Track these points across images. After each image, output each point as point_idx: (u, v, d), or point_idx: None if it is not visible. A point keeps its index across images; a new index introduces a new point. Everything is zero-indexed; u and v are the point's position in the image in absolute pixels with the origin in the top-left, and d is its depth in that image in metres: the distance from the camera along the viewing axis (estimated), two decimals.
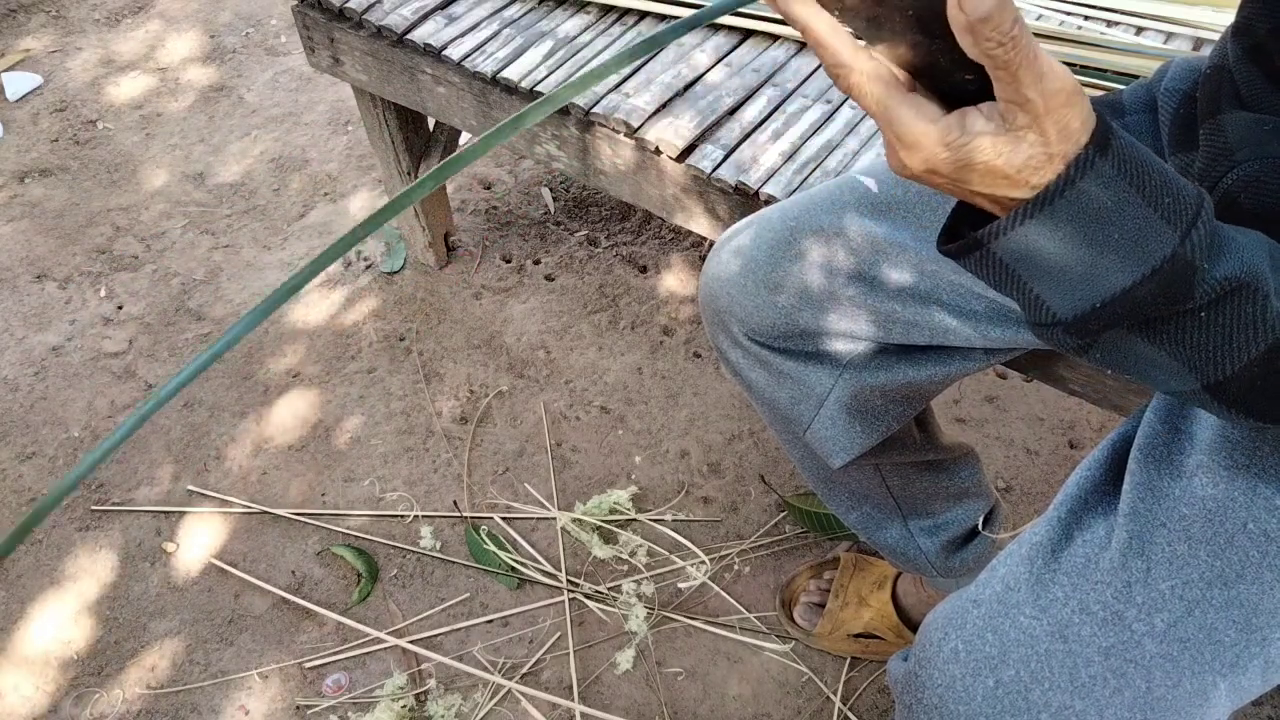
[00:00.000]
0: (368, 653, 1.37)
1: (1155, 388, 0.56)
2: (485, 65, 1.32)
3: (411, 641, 1.37)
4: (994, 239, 0.49)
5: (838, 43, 0.47)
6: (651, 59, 1.32)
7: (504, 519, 1.50)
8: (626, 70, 1.30)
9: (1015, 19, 0.42)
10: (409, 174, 1.69)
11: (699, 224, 1.27)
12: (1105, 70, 1.21)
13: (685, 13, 1.36)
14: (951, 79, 0.47)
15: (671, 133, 1.21)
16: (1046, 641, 0.66)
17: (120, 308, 1.83)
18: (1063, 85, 0.45)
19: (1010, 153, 0.46)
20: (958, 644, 0.69)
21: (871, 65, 0.48)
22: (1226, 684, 0.65)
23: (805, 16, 0.47)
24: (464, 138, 2.03)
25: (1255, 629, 0.64)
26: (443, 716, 1.29)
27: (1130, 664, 0.65)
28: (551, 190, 2.00)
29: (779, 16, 1.32)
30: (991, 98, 0.46)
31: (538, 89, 1.29)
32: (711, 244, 1.29)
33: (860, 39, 0.49)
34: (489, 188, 2.02)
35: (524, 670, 1.34)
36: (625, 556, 1.44)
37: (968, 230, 0.52)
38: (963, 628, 0.69)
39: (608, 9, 1.40)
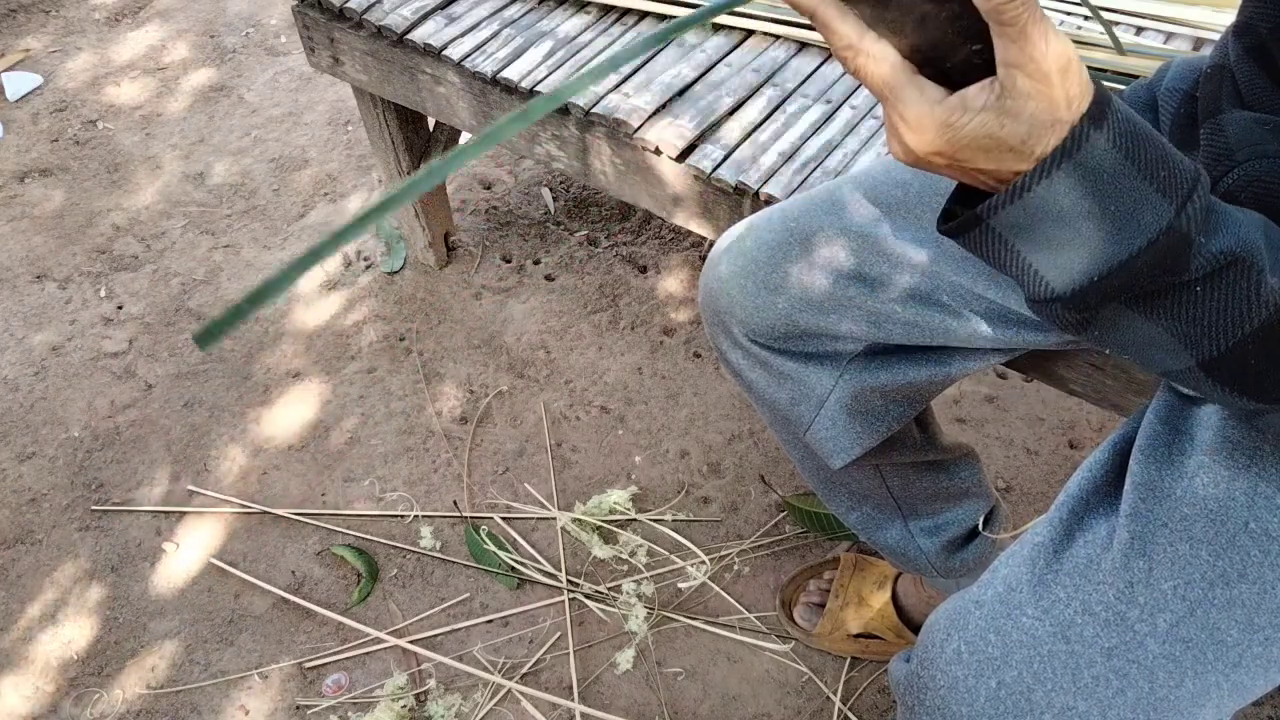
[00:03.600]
0: (368, 653, 1.37)
1: (1151, 369, 0.57)
2: (485, 65, 1.32)
3: (411, 641, 1.37)
4: (993, 213, 0.50)
5: (845, 26, 0.48)
6: (652, 59, 1.32)
7: (504, 519, 1.50)
8: (626, 70, 1.30)
9: None
10: (409, 174, 1.69)
11: (699, 224, 1.27)
12: (1105, 70, 1.21)
13: (685, 12, 1.36)
14: (958, 53, 0.48)
15: (671, 133, 1.21)
16: (1049, 642, 0.66)
17: (120, 308, 1.83)
18: (1064, 50, 0.46)
19: (1014, 122, 0.47)
20: (960, 645, 0.69)
21: (878, 47, 0.48)
22: (1229, 684, 0.65)
23: (812, 3, 0.48)
24: (464, 138, 2.03)
25: (1257, 628, 0.64)
26: (443, 716, 1.29)
27: (1133, 664, 0.65)
28: (551, 190, 2.00)
29: (779, 16, 1.32)
30: (994, 74, 0.47)
31: (538, 89, 1.29)
32: (711, 244, 1.29)
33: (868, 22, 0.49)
34: (489, 188, 2.02)
35: (524, 670, 1.34)
36: (625, 556, 1.44)
37: (967, 211, 0.52)
38: (965, 629, 0.69)
39: (608, 9, 1.40)
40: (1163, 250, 0.49)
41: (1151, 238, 0.48)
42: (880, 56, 0.49)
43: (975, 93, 0.48)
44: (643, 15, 1.38)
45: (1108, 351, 0.55)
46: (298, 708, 1.32)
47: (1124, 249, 0.49)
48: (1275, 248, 0.51)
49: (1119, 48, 1.20)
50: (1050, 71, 0.46)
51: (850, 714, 1.30)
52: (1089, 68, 1.20)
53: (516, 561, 1.44)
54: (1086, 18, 1.30)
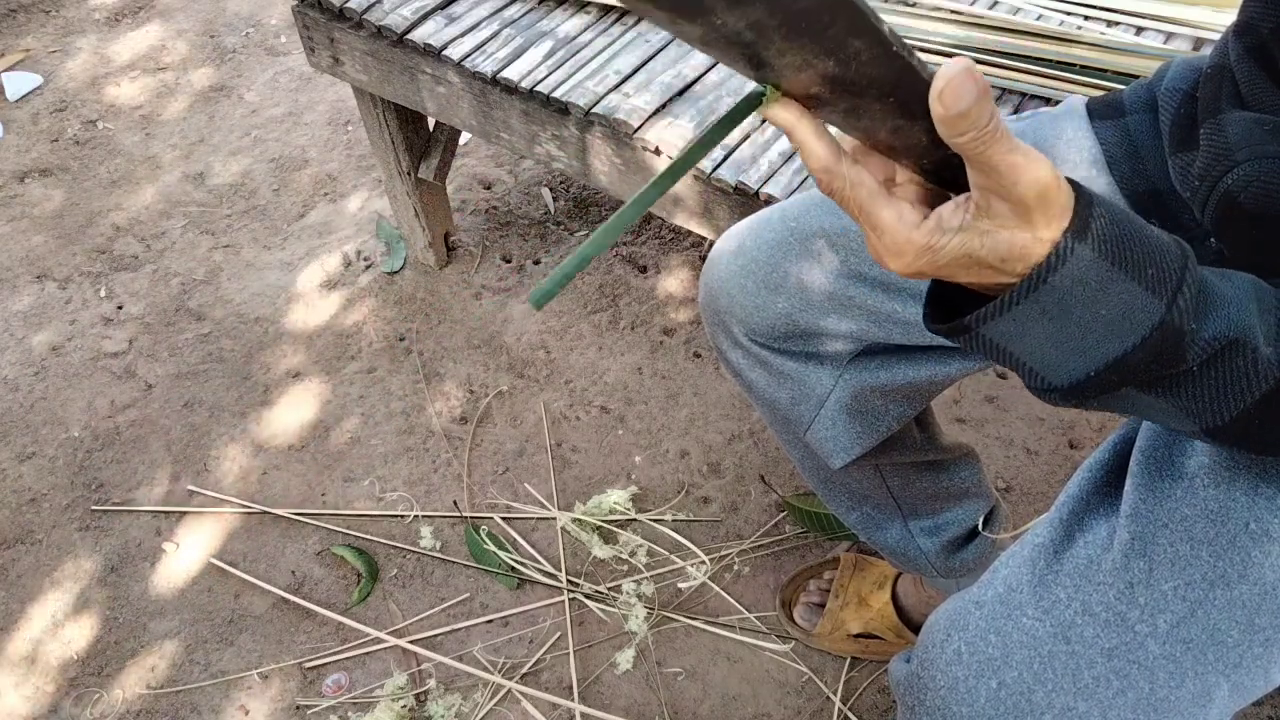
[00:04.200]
0: (368, 653, 1.37)
1: (1153, 422, 0.57)
2: (485, 65, 1.32)
3: (411, 641, 1.37)
4: (982, 324, 0.50)
5: (821, 147, 0.48)
6: (652, 59, 1.32)
7: (504, 519, 1.50)
8: (626, 70, 1.30)
9: (992, 113, 0.42)
10: (409, 174, 1.69)
11: (699, 224, 1.27)
12: (1105, 70, 1.20)
13: None
14: (934, 155, 0.48)
15: (671, 133, 1.21)
16: (1049, 643, 0.66)
17: (120, 308, 1.83)
18: (1039, 175, 0.45)
19: (993, 244, 0.47)
20: (960, 645, 0.69)
21: (854, 171, 0.48)
22: (1229, 684, 0.65)
23: (789, 122, 0.47)
24: (464, 138, 2.03)
25: (1258, 629, 0.64)
26: (443, 716, 1.29)
27: (1133, 665, 0.65)
28: (551, 190, 2.00)
29: None
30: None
31: (537, 89, 1.28)
32: (711, 244, 1.29)
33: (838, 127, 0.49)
34: (489, 188, 2.02)
35: (524, 670, 1.34)
36: (625, 556, 1.44)
37: (953, 313, 0.52)
38: (965, 629, 0.69)
39: (608, 9, 1.40)
40: (1157, 343, 0.49)
41: (1145, 334, 0.49)
42: (856, 181, 0.48)
43: (951, 212, 0.48)
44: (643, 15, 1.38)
45: (1111, 411, 0.57)
46: (298, 708, 1.32)
47: (1118, 347, 0.49)
48: (1268, 310, 0.52)
49: None
50: (1026, 198, 0.45)
51: (850, 714, 1.30)
52: (1090, 68, 1.20)
53: (516, 561, 1.44)
54: (1086, 18, 1.30)
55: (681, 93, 1.27)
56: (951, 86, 0.42)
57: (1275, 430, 0.54)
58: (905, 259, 0.49)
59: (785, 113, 0.47)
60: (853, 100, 0.45)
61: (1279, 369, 0.51)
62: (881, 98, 0.44)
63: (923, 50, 1.27)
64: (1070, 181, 0.48)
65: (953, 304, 0.55)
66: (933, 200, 0.51)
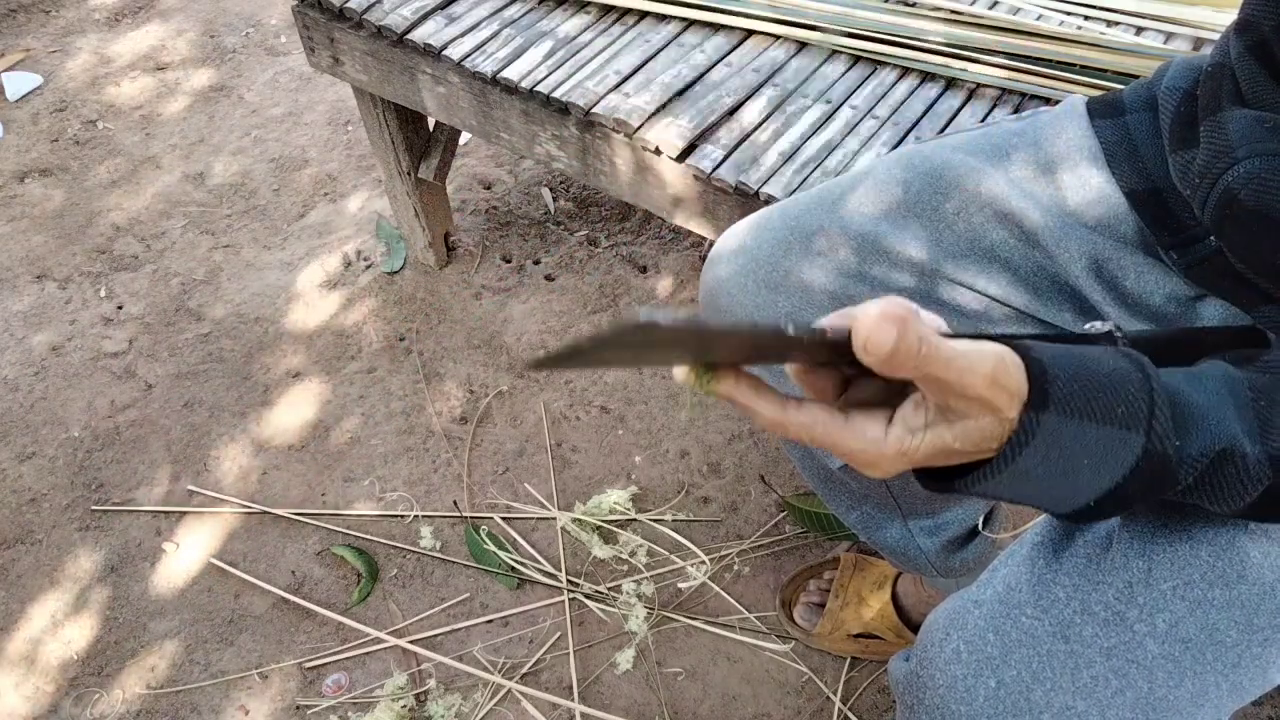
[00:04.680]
0: (368, 653, 1.37)
1: None
2: (485, 65, 1.32)
3: (411, 641, 1.37)
4: (973, 486, 0.52)
5: (765, 405, 0.49)
6: (652, 59, 1.32)
7: (504, 519, 1.50)
8: (626, 70, 1.30)
9: (919, 338, 0.44)
10: (409, 174, 1.69)
11: (699, 224, 1.27)
12: (1105, 70, 1.21)
13: (688, 13, 1.36)
14: (875, 376, 0.49)
15: (671, 133, 1.21)
16: (1048, 642, 0.66)
17: (120, 308, 1.83)
18: (985, 370, 0.47)
19: (962, 433, 0.49)
20: (959, 644, 0.69)
21: (803, 415, 0.50)
22: (1228, 684, 0.65)
23: (728, 392, 0.49)
24: (464, 138, 2.03)
25: (1256, 629, 0.64)
26: (443, 716, 1.29)
27: (1132, 664, 0.65)
28: (551, 190, 2.00)
29: (779, 17, 1.32)
30: None
31: (537, 89, 1.29)
32: (711, 244, 1.29)
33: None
34: (489, 188, 2.02)
35: (524, 670, 1.34)
36: (625, 556, 1.44)
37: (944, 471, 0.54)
38: (964, 628, 0.69)
39: (608, 9, 1.40)
40: (1146, 471, 0.51)
41: (1132, 465, 0.51)
42: (809, 422, 0.50)
43: (912, 412, 0.49)
44: (643, 15, 1.38)
45: None
46: (298, 708, 1.32)
47: (1108, 481, 0.51)
48: (1244, 407, 0.54)
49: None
50: (978, 394, 0.47)
51: (850, 714, 1.30)
52: (1089, 68, 1.20)
53: (516, 561, 1.44)
54: (1086, 18, 1.30)
55: (681, 93, 1.27)
56: (872, 339, 0.44)
57: (1273, 517, 0.56)
58: (883, 468, 0.51)
59: (721, 388, 0.49)
60: (782, 360, 0.48)
61: (1270, 467, 0.53)
62: (811, 361, 0.47)
63: (922, 50, 1.27)
64: (1018, 349, 0.49)
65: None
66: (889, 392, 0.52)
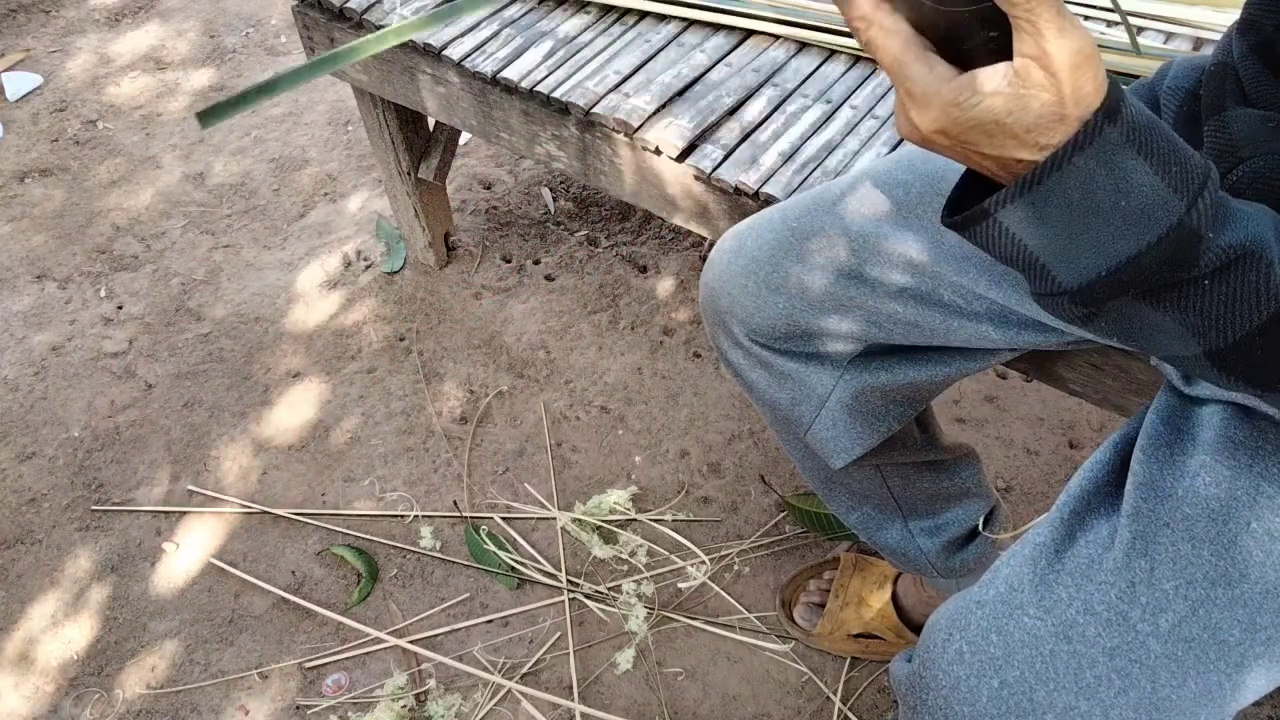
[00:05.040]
0: (368, 653, 1.37)
1: (1156, 353, 0.57)
2: (485, 65, 1.32)
3: (411, 641, 1.37)
4: (1001, 206, 0.50)
5: None
6: (652, 59, 1.32)
7: (504, 519, 1.50)
8: (626, 70, 1.29)
9: None
10: (409, 174, 1.69)
11: (699, 224, 1.27)
12: (1105, 70, 1.20)
13: (685, 12, 1.36)
14: (975, 37, 0.48)
15: (671, 133, 1.21)
16: (1051, 642, 0.66)
17: (120, 308, 1.83)
18: (1082, 45, 0.45)
19: (1021, 111, 0.47)
20: (962, 645, 0.69)
21: (891, 20, 0.48)
22: (1231, 684, 0.65)
23: None
24: (464, 138, 2.03)
25: (1259, 628, 0.64)
26: (443, 716, 1.29)
27: (1135, 664, 0.65)
28: (551, 190, 2.00)
29: (779, 17, 1.32)
30: (1009, 58, 0.47)
31: (537, 89, 1.28)
32: (711, 244, 1.29)
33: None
34: (489, 188, 2.02)
35: (524, 670, 1.34)
36: (625, 556, 1.44)
37: (973, 203, 0.52)
38: (967, 629, 0.69)
39: (608, 9, 1.40)
40: (1172, 246, 0.48)
41: (1162, 233, 0.48)
42: (893, 29, 0.48)
43: (987, 76, 0.47)
44: (643, 15, 1.38)
45: (1114, 341, 0.56)
46: (298, 708, 1.32)
47: (1134, 244, 0.49)
48: None
49: (1136, 49, 1.20)
50: (1063, 67, 0.45)
51: (850, 714, 1.30)
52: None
53: (516, 561, 1.44)
54: (1087, 18, 1.30)
55: (681, 93, 1.27)
56: None
57: (1276, 360, 0.53)
58: (931, 112, 0.49)
59: None
60: None
61: None
62: None
63: None
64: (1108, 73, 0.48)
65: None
66: None
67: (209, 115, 0.41)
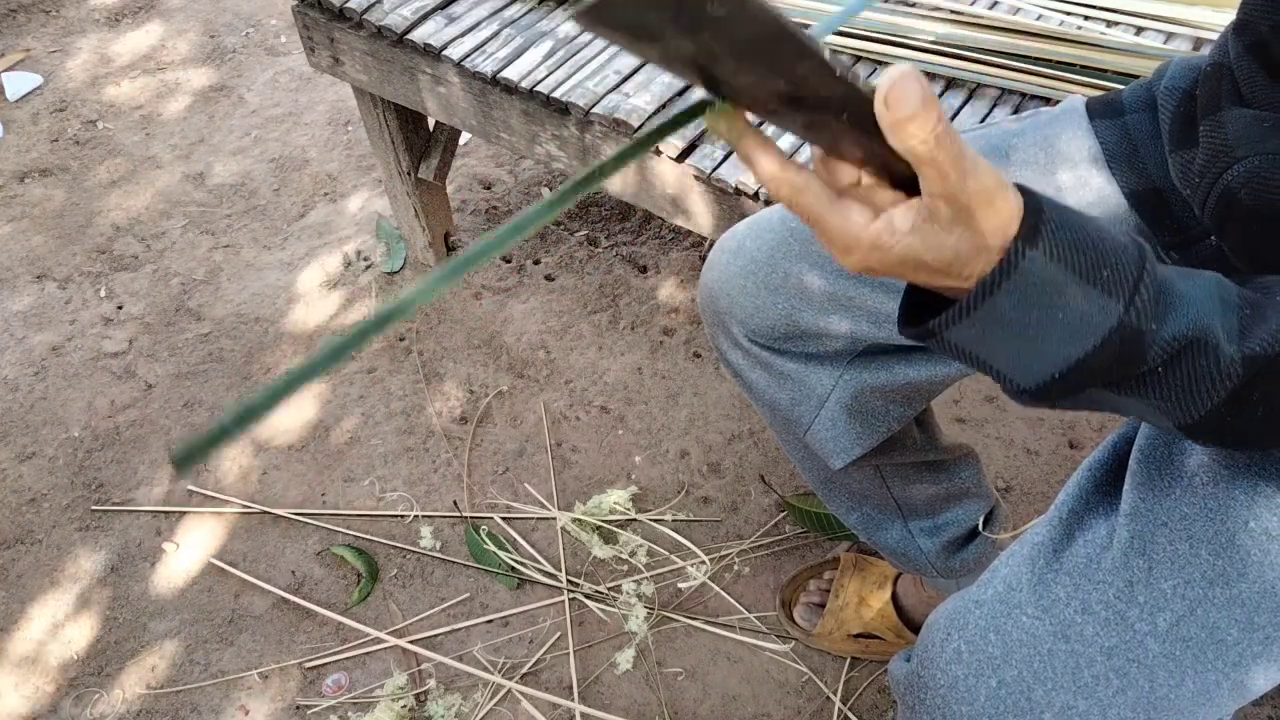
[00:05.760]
0: (368, 653, 1.37)
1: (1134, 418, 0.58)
2: (485, 65, 1.32)
3: (411, 641, 1.37)
4: (945, 329, 0.51)
5: (766, 159, 0.49)
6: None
7: (504, 519, 1.50)
8: (626, 70, 1.30)
9: (939, 117, 0.43)
10: (409, 174, 1.69)
11: (699, 224, 1.27)
12: (1105, 70, 1.20)
13: None
14: (894, 168, 0.49)
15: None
16: (1049, 641, 0.66)
17: (120, 308, 1.83)
18: (987, 182, 0.46)
19: (939, 248, 0.48)
20: (960, 645, 0.69)
21: (801, 178, 0.49)
22: (1229, 683, 0.65)
23: (734, 135, 0.49)
24: (464, 138, 2.03)
25: (1257, 628, 0.64)
26: (443, 716, 1.29)
27: (1133, 664, 0.65)
28: (551, 190, 2.00)
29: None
30: None
31: (537, 89, 1.29)
32: (711, 244, 1.29)
33: (803, 139, 0.50)
34: (489, 188, 2.02)
35: (524, 670, 1.34)
36: (625, 556, 1.44)
37: (926, 315, 0.53)
38: (965, 628, 0.69)
39: None
40: (1117, 345, 0.49)
41: (1104, 336, 0.49)
42: (803, 186, 0.49)
43: (901, 214, 0.48)
44: None
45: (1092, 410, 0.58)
46: (298, 708, 1.32)
47: (1078, 350, 0.50)
48: (1229, 309, 0.52)
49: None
50: (971, 205, 0.46)
51: (850, 714, 1.30)
52: (1089, 68, 1.20)
53: (516, 561, 1.44)
54: (1086, 18, 1.30)
55: (681, 93, 1.27)
56: (895, 90, 0.42)
57: (1250, 426, 0.54)
58: (855, 256, 0.50)
59: (729, 126, 0.48)
60: (808, 116, 0.46)
61: (1242, 367, 0.51)
62: (835, 115, 0.45)
63: (922, 50, 1.27)
64: (1021, 188, 0.48)
65: (929, 310, 0.56)
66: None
67: (183, 461, 0.38)
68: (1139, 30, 1.29)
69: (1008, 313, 0.49)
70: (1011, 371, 0.52)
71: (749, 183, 1.16)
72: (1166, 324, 0.50)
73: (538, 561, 1.45)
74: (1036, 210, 0.48)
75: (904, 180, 0.49)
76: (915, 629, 1.31)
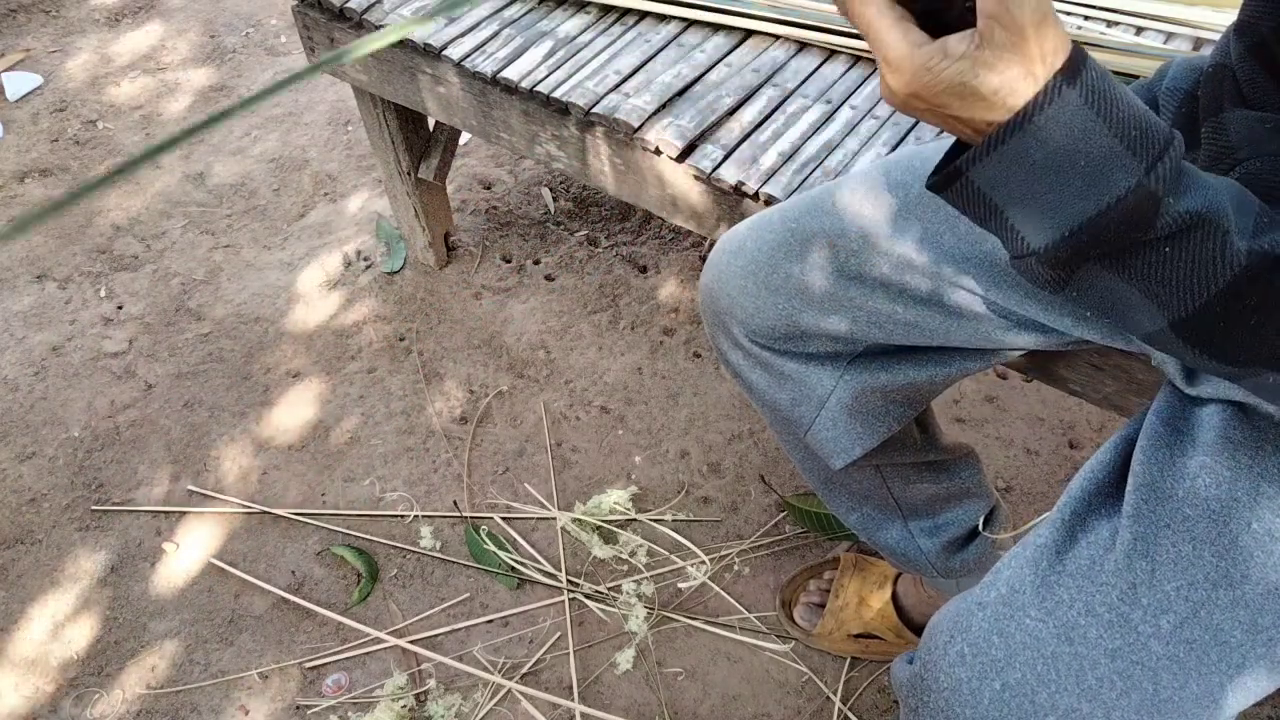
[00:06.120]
0: (368, 653, 1.37)
1: (1129, 330, 0.59)
2: (485, 65, 1.32)
3: (411, 641, 1.37)
4: (971, 165, 0.52)
5: None
6: (652, 59, 1.32)
7: (504, 519, 1.50)
8: (626, 70, 1.29)
9: None
10: (409, 174, 1.69)
11: (699, 224, 1.27)
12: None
13: (685, 12, 1.36)
14: (953, 8, 0.51)
15: (671, 133, 1.21)
16: (1052, 644, 0.66)
17: (120, 308, 1.83)
18: (1041, 6, 0.48)
19: (987, 74, 0.49)
20: (963, 647, 0.69)
21: None
22: (1232, 685, 0.65)
23: None
24: (464, 138, 2.03)
25: (1261, 629, 0.64)
26: (443, 716, 1.29)
27: (1137, 666, 0.65)
28: (551, 190, 2.00)
29: (779, 17, 1.32)
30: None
31: (537, 89, 1.28)
32: (712, 244, 1.29)
33: None
34: (489, 188, 2.02)
35: (524, 670, 1.34)
36: (625, 556, 1.44)
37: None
38: (968, 631, 0.69)
39: (608, 9, 1.40)
40: (1130, 207, 0.50)
41: (1120, 194, 0.50)
42: None
43: (956, 41, 0.50)
44: (643, 15, 1.38)
45: (1089, 315, 0.57)
46: (298, 708, 1.32)
47: (1093, 204, 0.51)
48: (1245, 213, 0.53)
49: None
50: (1025, 25, 0.48)
51: (850, 714, 1.30)
52: None
53: (516, 561, 1.44)
54: (1086, 18, 1.30)
55: (681, 93, 1.27)
56: None
57: (1238, 333, 0.54)
58: (904, 76, 0.51)
59: None
60: None
61: (1246, 258, 0.52)
62: None
63: None
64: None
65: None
66: None
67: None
68: (1139, 30, 1.29)
69: (1034, 150, 0.50)
70: (1024, 225, 0.53)
71: (749, 183, 1.16)
72: (1183, 199, 0.51)
73: (538, 561, 1.45)
74: (1080, 55, 0.50)
75: (958, 19, 0.51)
76: (915, 629, 1.31)
